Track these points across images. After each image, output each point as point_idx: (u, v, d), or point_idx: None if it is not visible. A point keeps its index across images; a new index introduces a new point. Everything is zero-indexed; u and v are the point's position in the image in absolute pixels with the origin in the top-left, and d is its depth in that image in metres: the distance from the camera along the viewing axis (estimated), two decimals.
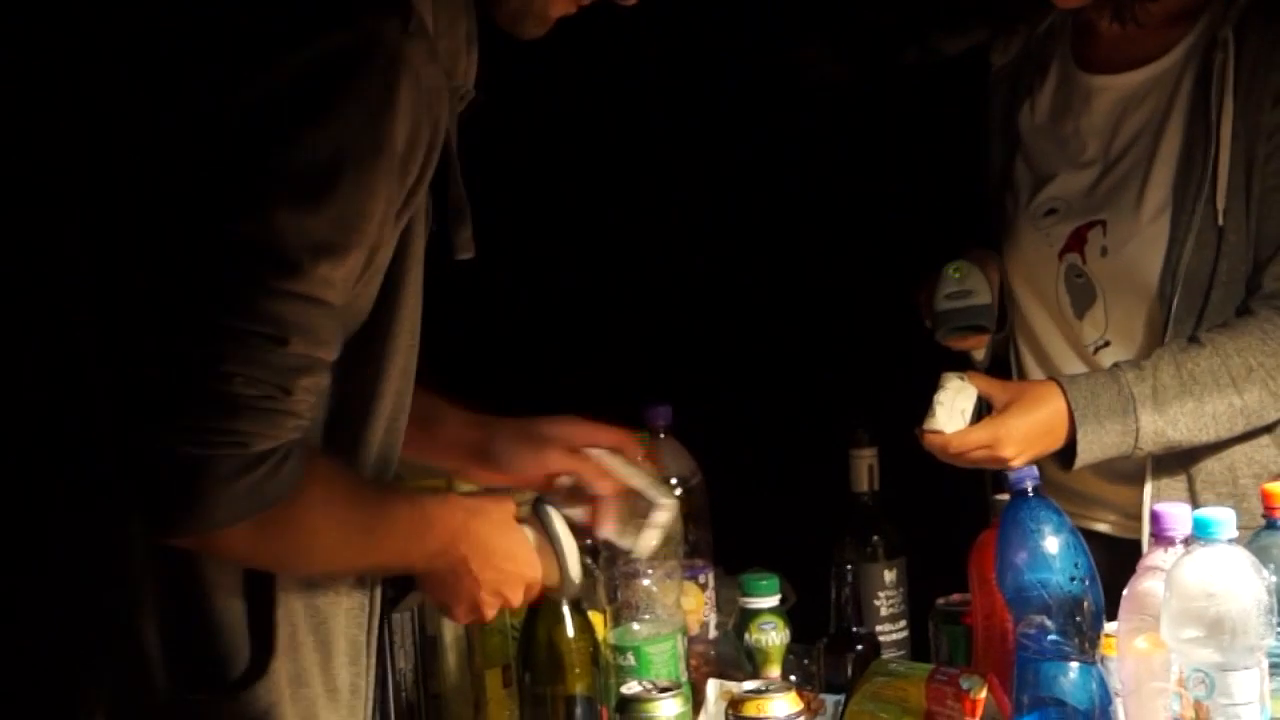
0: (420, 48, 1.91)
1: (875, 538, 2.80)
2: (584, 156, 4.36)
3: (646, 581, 2.63)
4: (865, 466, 2.81)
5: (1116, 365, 2.70)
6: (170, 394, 1.85)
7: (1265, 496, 2.19)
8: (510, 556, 2.26)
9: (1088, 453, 2.66)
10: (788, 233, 4.39)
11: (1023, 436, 2.66)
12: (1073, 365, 2.80)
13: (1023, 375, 2.91)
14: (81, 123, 1.97)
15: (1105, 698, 2.28)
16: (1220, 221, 2.67)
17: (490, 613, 2.27)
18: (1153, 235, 2.71)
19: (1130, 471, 2.75)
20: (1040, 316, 2.87)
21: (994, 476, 2.81)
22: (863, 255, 4.18)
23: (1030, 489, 2.37)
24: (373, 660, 2.17)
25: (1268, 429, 2.72)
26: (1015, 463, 2.63)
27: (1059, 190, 2.83)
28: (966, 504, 2.60)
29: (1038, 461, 2.64)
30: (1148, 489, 2.73)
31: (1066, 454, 2.67)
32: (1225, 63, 2.66)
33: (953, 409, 2.67)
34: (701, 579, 2.78)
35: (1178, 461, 2.73)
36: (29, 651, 2.01)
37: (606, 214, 4.43)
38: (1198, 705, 1.98)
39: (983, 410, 2.70)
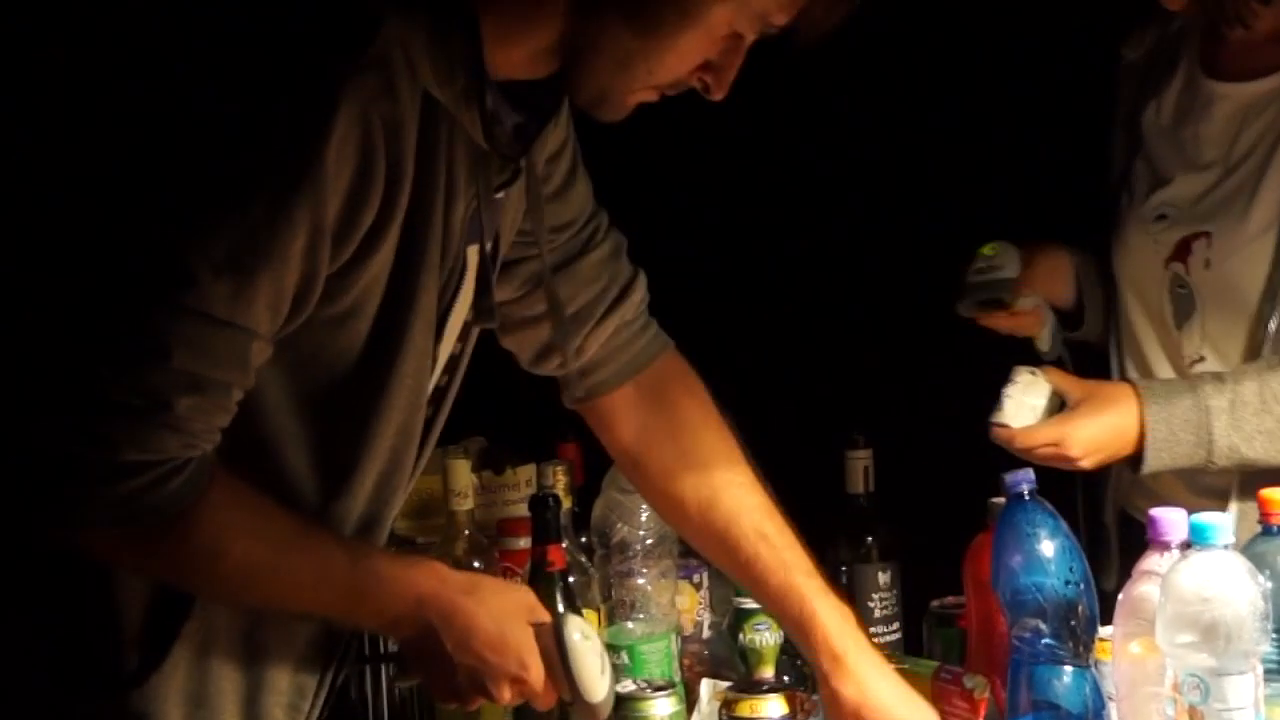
0: (372, 82, 1.88)
1: (869, 539, 2.80)
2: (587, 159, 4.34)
3: (641, 580, 2.66)
4: (860, 468, 2.81)
5: (1198, 376, 2.69)
6: (53, 395, 1.84)
7: (1262, 503, 2.19)
8: (497, 648, 2.12)
9: (1157, 460, 2.64)
10: (785, 234, 4.40)
11: (1091, 438, 2.66)
12: (1168, 376, 2.81)
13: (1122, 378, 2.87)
14: None
15: (1099, 702, 2.27)
16: None
17: (469, 703, 2.16)
18: (1256, 252, 2.68)
19: (1219, 488, 2.71)
20: (1143, 322, 2.85)
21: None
22: (861, 257, 4.19)
23: (1026, 492, 2.36)
24: (318, 712, 2.14)
25: None
26: (1082, 464, 2.66)
27: (1172, 195, 2.79)
28: (961, 506, 2.58)
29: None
30: (1233, 509, 2.65)
31: (1136, 459, 2.66)
32: None
33: (1021, 404, 2.67)
34: (696, 578, 2.79)
35: (1265, 483, 2.55)
36: None
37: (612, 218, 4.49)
38: (1192, 710, 1.97)
39: (1059, 406, 2.69)
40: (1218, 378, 2.66)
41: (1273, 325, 2.67)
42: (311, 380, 1.97)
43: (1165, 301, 2.79)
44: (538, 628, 2.13)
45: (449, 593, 2.10)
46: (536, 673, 2.12)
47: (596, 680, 2.16)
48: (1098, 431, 2.65)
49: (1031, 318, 2.85)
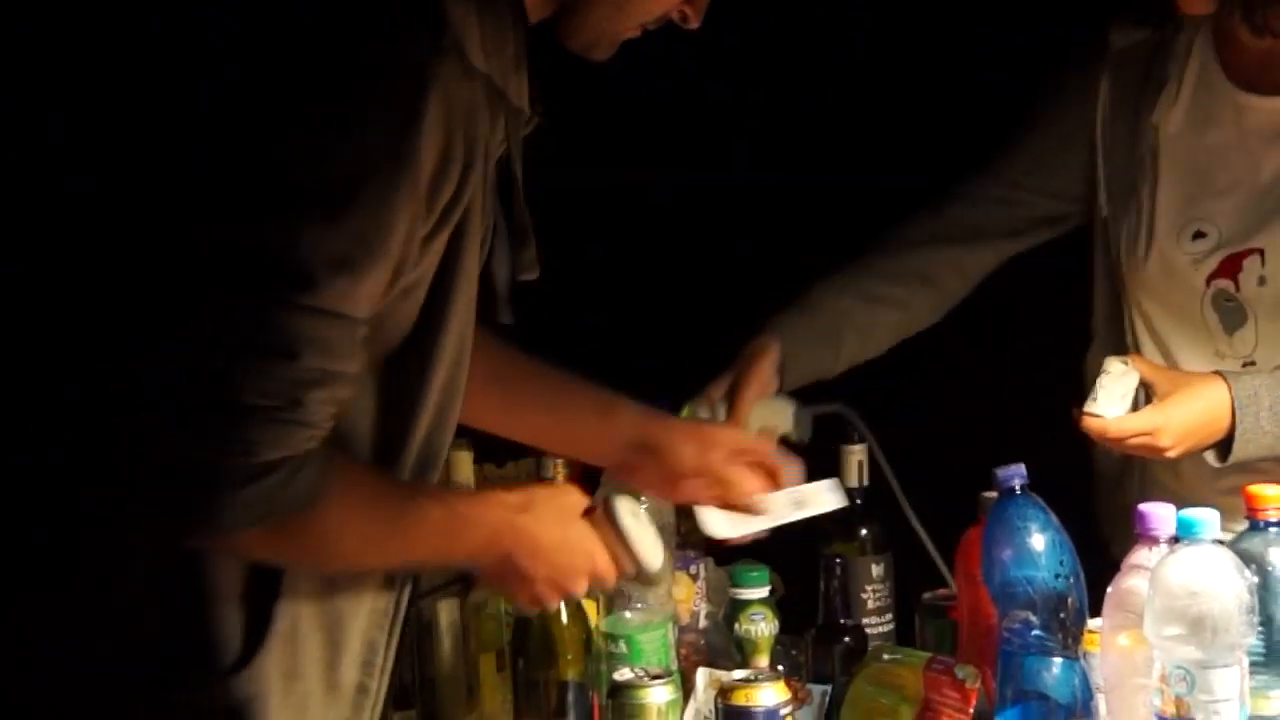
0: (452, 65, 1.90)
1: (863, 532, 2.80)
2: (596, 159, 4.30)
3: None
4: (855, 463, 2.81)
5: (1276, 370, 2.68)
6: (183, 403, 1.83)
7: (1249, 498, 2.20)
8: (564, 549, 2.22)
9: (1243, 450, 2.64)
10: (788, 239, 4.30)
11: (1182, 426, 2.64)
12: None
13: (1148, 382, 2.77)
14: (91, 127, 1.96)
15: (1087, 692, 2.30)
16: None
17: (552, 603, 2.26)
18: None
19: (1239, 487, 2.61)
20: (1177, 332, 2.83)
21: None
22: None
23: (1018, 487, 2.38)
24: (389, 662, 2.17)
25: None
26: (1172, 453, 2.65)
27: (1208, 211, 2.75)
28: (954, 501, 2.59)
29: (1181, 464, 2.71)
30: None
31: (1223, 448, 2.65)
32: None
33: (1113, 394, 2.65)
34: (693, 569, 2.79)
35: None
36: (33, 642, 2.01)
37: (631, 231, 4.43)
38: (1179, 701, 1.99)
39: (1143, 398, 2.68)
40: None
41: None
42: (377, 345, 1.98)
43: (1208, 313, 2.77)
44: (592, 517, 2.23)
45: (511, 516, 2.17)
46: (603, 561, 2.23)
47: (653, 550, 2.27)
48: (1190, 420, 2.64)
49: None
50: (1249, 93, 2.73)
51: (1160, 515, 2.13)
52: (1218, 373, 2.68)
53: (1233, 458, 2.64)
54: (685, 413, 2.73)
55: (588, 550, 2.23)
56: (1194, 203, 2.76)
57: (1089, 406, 2.65)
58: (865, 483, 2.82)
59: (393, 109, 1.85)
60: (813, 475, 2.76)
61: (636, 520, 2.27)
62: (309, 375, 1.85)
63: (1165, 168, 2.79)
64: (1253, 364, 2.73)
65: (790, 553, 2.72)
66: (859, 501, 2.80)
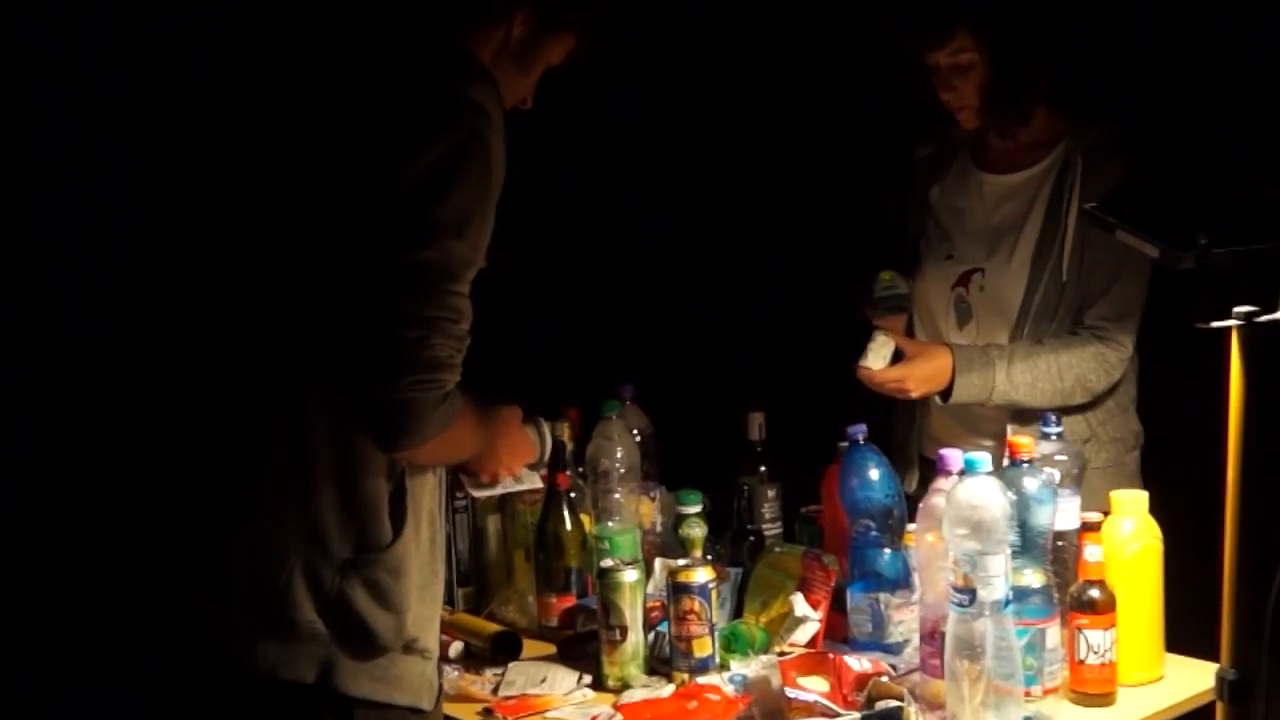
0: (497, 136, 1.97)
1: (762, 468, 2.78)
2: (562, 157, 4.00)
3: (616, 495, 2.69)
4: (756, 424, 2.79)
5: (990, 344, 2.69)
6: (401, 359, 1.90)
7: (1010, 446, 2.22)
8: (518, 447, 2.30)
9: (958, 395, 2.64)
10: (725, 248, 4.16)
11: (922, 376, 2.65)
12: None
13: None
14: (322, 198, 2.02)
15: (906, 572, 2.35)
16: (1064, 279, 2.65)
17: (502, 473, 2.29)
18: (1015, 283, 2.69)
19: (998, 432, 2.66)
20: (931, 322, 2.83)
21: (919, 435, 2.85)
22: (775, 273, 4.05)
23: (860, 438, 2.43)
24: (443, 523, 2.17)
25: (1080, 409, 2.68)
26: (914, 394, 2.67)
27: (956, 247, 2.78)
28: (820, 449, 2.63)
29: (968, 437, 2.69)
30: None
31: (947, 393, 2.65)
32: (1074, 179, 2.64)
33: (878, 354, 2.65)
34: (652, 494, 2.79)
35: (1022, 423, 2.63)
36: (246, 532, 2.06)
37: (593, 222, 4.29)
38: (965, 577, 1.99)
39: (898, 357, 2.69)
40: (1001, 347, 2.66)
41: (1026, 328, 2.68)
42: None
43: (950, 310, 2.78)
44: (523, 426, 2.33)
45: (501, 426, 2.26)
46: (531, 453, 2.33)
47: (546, 448, 2.40)
48: (926, 373, 2.65)
49: (899, 320, 2.78)
50: (987, 173, 2.79)
51: (954, 456, 2.10)
52: (946, 343, 2.70)
53: (952, 400, 2.65)
54: (886, 276, 2.74)
55: (528, 448, 2.33)
56: (948, 239, 2.80)
57: (862, 362, 2.66)
58: (763, 436, 2.79)
59: (479, 166, 1.94)
60: (729, 428, 2.81)
61: (546, 430, 2.40)
62: (464, 334, 1.96)
63: (934, 219, 2.84)
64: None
65: (715, 482, 2.67)
66: (760, 450, 2.79)
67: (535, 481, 2.50)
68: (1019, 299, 2.70)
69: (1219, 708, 1.86)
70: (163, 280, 3.17)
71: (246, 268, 2.14)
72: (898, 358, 2.69)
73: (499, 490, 2.41)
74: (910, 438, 2.88)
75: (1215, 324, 1.84)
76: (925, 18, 2.63)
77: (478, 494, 2.47)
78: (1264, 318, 1.82)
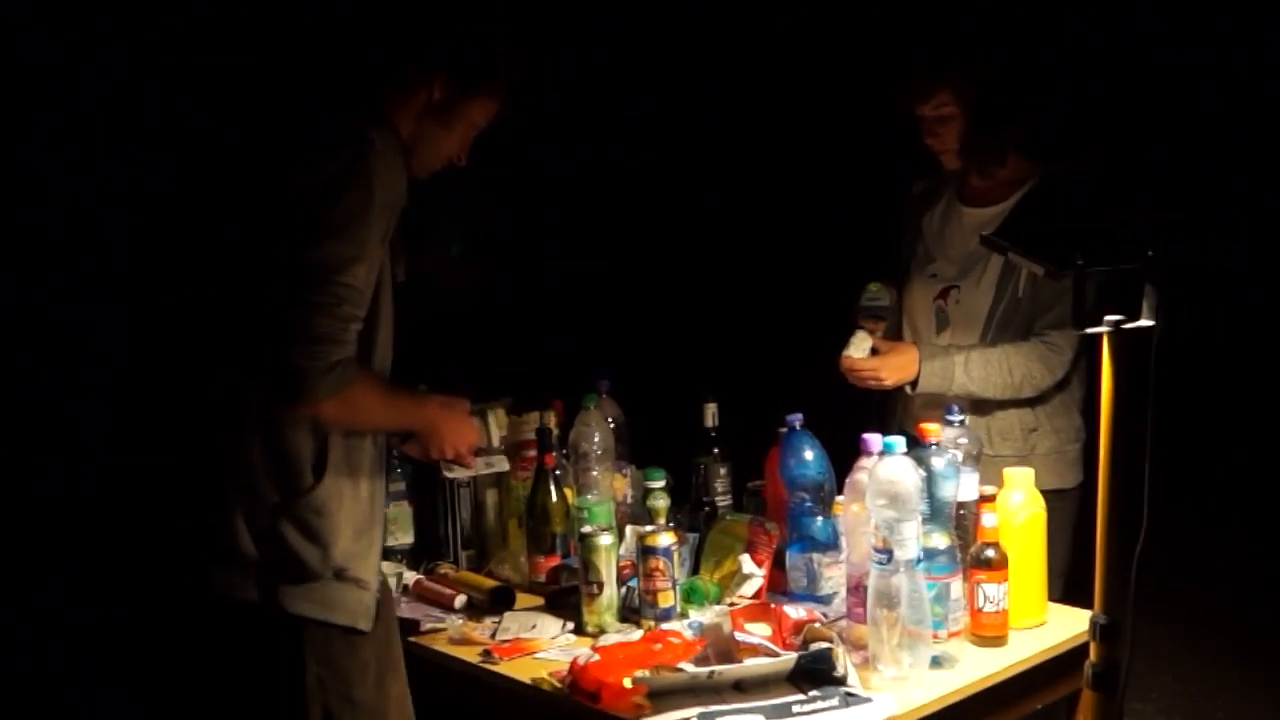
0: (381, 164, 2.02)
1: (716, 450, 2.76)
2: (544, 159, 4.00)
3: (594, 473, 2.67)
4: (710, 412, 2.76)
5: (951, 345, 2.69)
6: (297, 337, 1.97)
7: (920, 432, 2.25)
8: (460, 430, 2.29)
9: (924, 384, 2.63)
10: (692, 266, 4.17)
11: (894, 366, 2.64)
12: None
13: None
14: (250, 216, 2.10)
15: (836, 537, 2.34)
16: (1020, 295, 2.65)
17: (449, 454, 2.29)
18: (984, 299, 2.69)
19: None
20: (915, 327, 2.80)
21: (883, 417, 2.80)
22: (719, 286, 4.00)
23: (798, 425, 2.43)
24: (383, 483, 2.20)
25: (1029, 402, 2.67)
26: (887, 382, 2.65)
27: (938, 267, 2.76)
28: (764, 433, 2.60)
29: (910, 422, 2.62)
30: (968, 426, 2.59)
31: (915, 383, 2.64)
32: None
33: (859, 347, 2.64)
34: (624, 472, 2.77)
35: (975, 413, 2.65)
36: (196, 479, 2.13)
37: (572, 245, 4.28)
38: (884, 539, 1.99)
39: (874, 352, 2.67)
40: (961, 348, 2.66)
41: (990, 335, 2.68)
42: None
43: (931, 319, 2.76)
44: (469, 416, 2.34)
45: (442, 410, 2.26)
46: (475, 438, 2.32)
47: (495, 436, 2.46)
48: (897, 363, 2.64)
49: (879, 326, 2.74)
50: (967, 206, 2.77)
51: (875, 439, 2.12)
52: (913, 344, 2.70)
53: (918, 389, 2.65)
54: (873, 288, 2.72)
55: (473, 433, 2.32)
56: (933, 260, 2.79)
57: (845, 353, 2.65)
58: (717, 423, 2.76)
59: (361, 184, 2.00)
60: (689, 416, 2.78)
61: (493, 425, 2.43)
62: (348, 315, 2.00)
63: (923, 243, 2.83)
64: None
65: (677, 462, 2.66)
66: (713, 434, 2.76)
67: (504, 465, 2.56)
68: (986, 311, 2.70)
69: (1092, 647, 1.89)
70: (145, 279, 3.25)
71: (200, 271, 2.23)
72: (873, 355, 2.68)
73: (469, 474, 2.48)
74: (892, 422, 2.84)
75: (1090, 329, 1.85)
76: (913, 77, 2.65)
77: (450, 475, 2.52)
78: (1129, 325, 1.84)
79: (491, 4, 2.23)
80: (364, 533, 2.12)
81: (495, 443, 2.47)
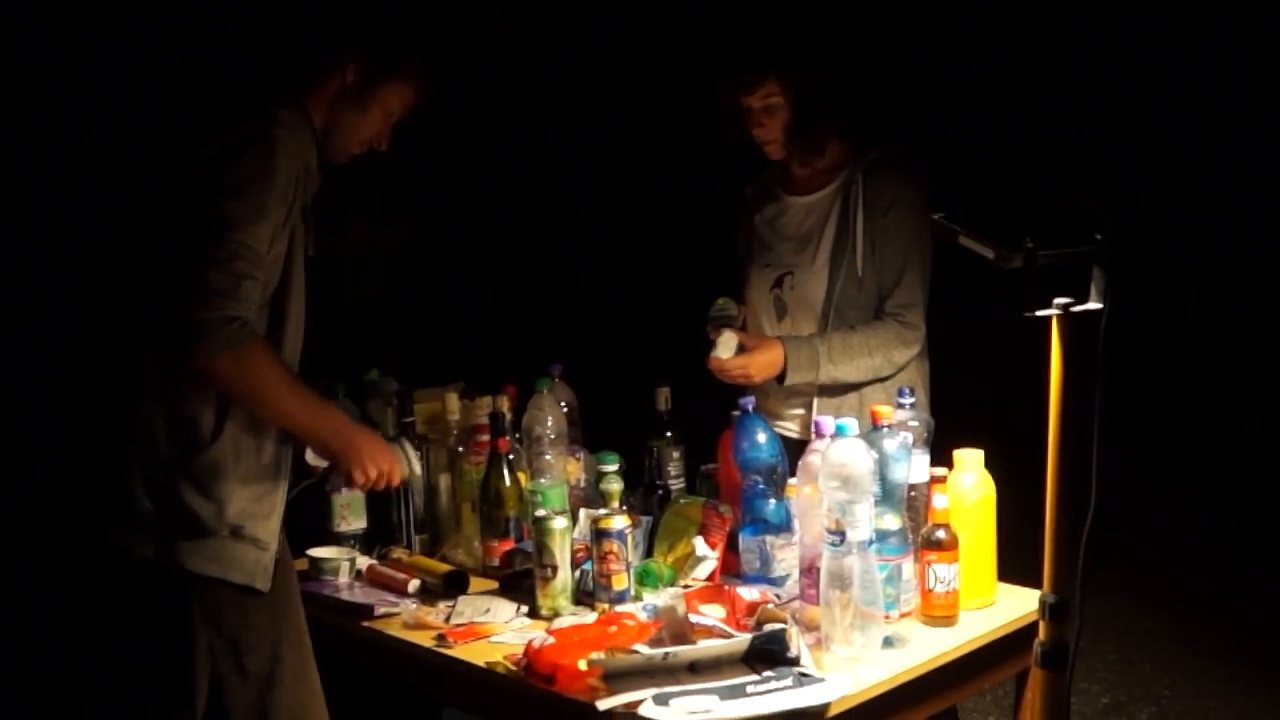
0: (285, 134, 2.10)
1: (669, 433, 2.77)
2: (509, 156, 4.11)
3: (548, 457, 2.61)
4: (663, 396, 2.78)
5: (814, 335, 2.70)
6: (191, 289, 2.00)
7: (873, 414, 2.27)
8: (377, 453, 2.28)
9: (792, 378, 2.65)
10: (641, 252, 4.21)
11: (761, 365, 2.65)
12: None
13: None
14: (147, 191, 2.17)
15: (788, 519, 2.35)
16: (860, 275, 2.69)
17: (368, 478, 2.27)
18: (818, 281, 2.73)
19: (805, 403, 2.74)
20: (756, 319, 2.84)
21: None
22: (694, 264, 4.05)
23: (750, 408, 2.43)
24: (289, 452, 2.22)
25: (880, 381, 2.70)
26: (755, 379, 2.66)
27: (772, 256, 2.82)
28: (716, 416, 2.61)
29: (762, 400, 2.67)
30: (815, 406, 2.72)
31: (782, 377, 2.66)
32: (857, 193, 2.69)
33: (726, 347, 2.65)
34: (578, 456, 2.77)
35: (830, 396, 2.72)
36: (97, 437, 2.18)
37: (533, 220, 4.28)
38: (837, 521, 2.00)
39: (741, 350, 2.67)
40: (823, 336, 2.67)
41: (830, 319, 2.70)
42: (267, 289, 2.13)
43: (770, 308, 2.80)
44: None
45: (353, 427, 2.28)
46: (394, 468, 2.30)
47: (411, 467, 2.39)
48: (764, 362, 2.64)
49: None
50: (793, 196, 2.83)
51: (828, 422, 2.11)
52: (779, 337, 2.70)
53: (786, 382, 2.67)
54: (721, 301, 2.74)
55: (390, 458, 2.30)
56: (768, 249, 2.84)
57: (713, 354, 2.66)
58: (669, 407, 2.78)
59: (262, 153, 2.06)
60: (641, 401, 2.79)
61: (410, 451, 2.40)
62: (243, 270, 2.03)
63: (758, 239, 2.87)
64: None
65: (630, 446, 2.67)
66: (666, 418, 2.77)
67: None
68: (822, 294, 2.73)
69: (1041, 626, 1.91)
70: (60, 250, 3.32)
71: (110, 240, 2.29)
72: (740, 354, 2.68)
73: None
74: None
75: (1039, 313, 1.87)
76: (741, 68, 2.67)
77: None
78: (1077, 308, 1.86)
79: None
80: (264, 496, 2.17)
81: (415, 470, 2.44)
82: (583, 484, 2.74)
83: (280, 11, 2.31)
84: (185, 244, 2.03)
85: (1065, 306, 1.87)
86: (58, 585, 2.65)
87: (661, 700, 1.89)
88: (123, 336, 2.17)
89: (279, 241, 2.11)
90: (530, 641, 2.12)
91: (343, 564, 2.58)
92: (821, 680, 1.95)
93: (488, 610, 2.38)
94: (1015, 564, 2.37)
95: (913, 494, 2.26)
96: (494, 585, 2.53)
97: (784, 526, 2.35)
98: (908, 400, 2.37)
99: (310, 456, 2.30)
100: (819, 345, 2.67)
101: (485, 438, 2.67)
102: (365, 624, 2.38)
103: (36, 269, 3.51)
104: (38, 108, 3.48)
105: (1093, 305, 1.86)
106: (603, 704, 1.91)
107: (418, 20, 2.26)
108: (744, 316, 2.81)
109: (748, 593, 2.19)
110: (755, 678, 1.94)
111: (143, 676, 2.19)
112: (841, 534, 2.00)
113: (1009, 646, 2.25)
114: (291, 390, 2.14)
